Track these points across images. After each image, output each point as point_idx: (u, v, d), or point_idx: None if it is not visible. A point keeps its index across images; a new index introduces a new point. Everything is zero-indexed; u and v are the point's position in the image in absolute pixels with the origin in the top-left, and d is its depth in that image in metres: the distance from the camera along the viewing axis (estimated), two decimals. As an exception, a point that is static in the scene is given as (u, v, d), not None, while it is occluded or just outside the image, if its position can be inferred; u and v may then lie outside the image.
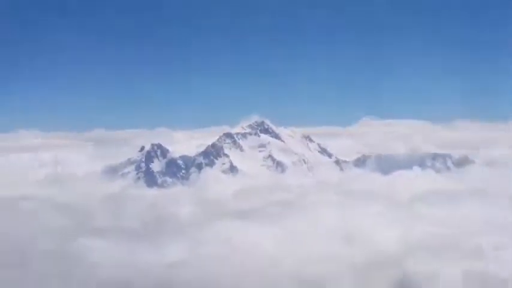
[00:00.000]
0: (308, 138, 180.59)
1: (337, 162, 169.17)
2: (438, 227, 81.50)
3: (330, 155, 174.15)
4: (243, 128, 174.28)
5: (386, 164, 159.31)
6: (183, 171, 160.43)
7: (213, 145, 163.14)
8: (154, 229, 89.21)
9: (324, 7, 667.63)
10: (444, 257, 68.02)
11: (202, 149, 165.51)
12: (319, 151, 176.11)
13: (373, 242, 76.19)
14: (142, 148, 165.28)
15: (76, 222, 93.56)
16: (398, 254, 71.85)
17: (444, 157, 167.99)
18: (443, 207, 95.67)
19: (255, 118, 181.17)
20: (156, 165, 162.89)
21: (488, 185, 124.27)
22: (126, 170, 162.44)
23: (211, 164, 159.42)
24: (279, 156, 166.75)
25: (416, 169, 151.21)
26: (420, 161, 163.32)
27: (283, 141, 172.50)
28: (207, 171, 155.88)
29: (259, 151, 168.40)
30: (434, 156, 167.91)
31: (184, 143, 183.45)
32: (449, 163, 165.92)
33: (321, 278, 65.21)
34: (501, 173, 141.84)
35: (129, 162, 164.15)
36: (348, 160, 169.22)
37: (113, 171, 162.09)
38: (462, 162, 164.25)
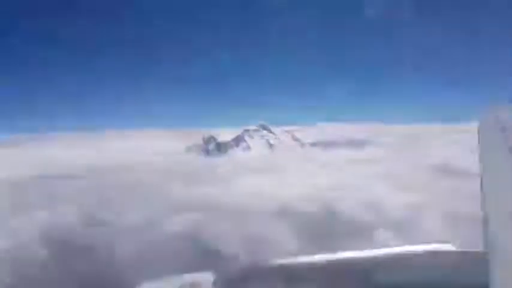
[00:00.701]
0: (287, 131, 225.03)
1: (302, 144, 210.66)
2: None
3: (299, 141, 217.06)
4: (254, 126, 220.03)
5: (328, 145, 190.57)
6: (223, 149, 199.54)
7: (238, 136, 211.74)
8: (207, 176, 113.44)
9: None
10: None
11: (233, 137, 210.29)
12: (293, 138, 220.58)
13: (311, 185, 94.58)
14: (203, 137, 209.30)
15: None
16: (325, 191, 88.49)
17: (359, 142, 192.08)
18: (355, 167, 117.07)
19: (260, 121, 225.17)
20: (210, 146, 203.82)
21: (382, 156, 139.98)
22: (195, 148, 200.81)
23: (237, 145, 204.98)
24: (271, 141, 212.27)
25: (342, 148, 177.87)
26: (346, 143, 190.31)
27: (274, 134, 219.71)
28: (235, 149, 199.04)
29: (262, 138, 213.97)
30: (353, 141, 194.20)
31: (224, 135, 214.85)
32: (362, 145, 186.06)
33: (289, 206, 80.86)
34: (391, 152, 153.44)
35: (195, 144, 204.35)
36: (309, 143, 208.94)
37: (188, 149, 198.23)
38: (368, 144, 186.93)
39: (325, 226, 70.20)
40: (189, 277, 2.90)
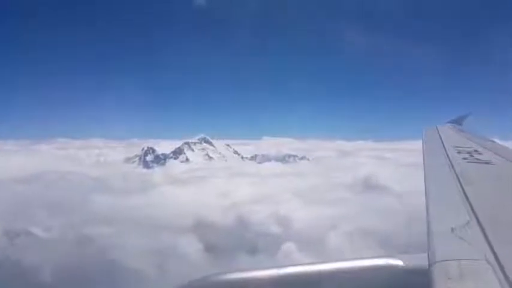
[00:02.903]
0: (228, 145, 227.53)
1: (242, 158, 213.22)
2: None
3: (239, 154, 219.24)
4: (194, 139, 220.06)
5: (264, 159, 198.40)
6: (162, 160, 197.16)
7: (178, 148, 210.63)
8: (144, 186, 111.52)
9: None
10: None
11: (172, 149, 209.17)
12: (233, 152, 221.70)
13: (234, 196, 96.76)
14: (143, 148, 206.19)
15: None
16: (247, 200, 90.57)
17: (293, 156, 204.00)
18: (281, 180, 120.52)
19: (201, 134, 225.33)
20: (149, 157, 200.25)
21: (309, 170, 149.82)
22: (134, 159, 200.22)
23: (176, 157, 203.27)
24: (211, 154, 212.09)
25: (275, 162, 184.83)
26: (281, 157, 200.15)
27: (215, 147, 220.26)
28: (174, 161, 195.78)
29: (202, 151, 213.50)
30: (289, 156, 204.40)
31: (165, 147, 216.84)
32: (296, 159, 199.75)
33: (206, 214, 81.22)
34: (319, 166, 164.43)
35: (136, 156, 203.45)
36: (247, 157, 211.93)
37: (128, 159, 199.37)
38: (302, 159, 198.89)
39: (234, 238, 69.84)
40: None
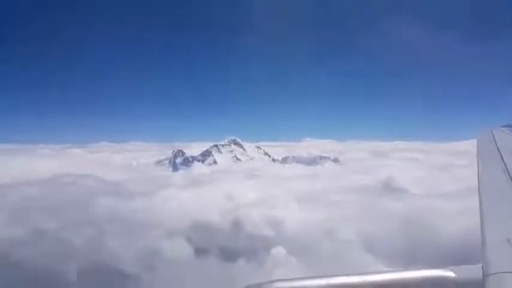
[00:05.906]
0: (259, 147, 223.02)
1: (273, 160, 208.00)
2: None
3: (269, 156, 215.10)
4: (224, 142, 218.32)
5: (294, 161, 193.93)
6: (191, 163, 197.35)
7: (206, 150, 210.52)
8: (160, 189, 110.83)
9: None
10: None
11: (200, 152, 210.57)
12: (264, 154, 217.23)
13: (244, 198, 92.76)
14: (173, 151, 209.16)
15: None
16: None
17: (325, 158, 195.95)
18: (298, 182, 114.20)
19: (231, 136, 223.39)
20: (178, 160, 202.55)
21: (333, 173, 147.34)
22: (165, 162, 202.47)
23: (204, 160, 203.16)
24: (239, 156, 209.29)
25: (300, 164, 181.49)
26: (312, 159, 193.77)
27: (245, 150, 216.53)
28: (200, 164, 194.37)
29: (230, 153, 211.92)
30: (321, 157, 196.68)
31: (194, 149, 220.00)
32: (327, 161, 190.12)
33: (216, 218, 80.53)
34: (345, 168, 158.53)
35: (166, 158, 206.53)
36: (278, 159, 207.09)
37: (158, 162, 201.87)
38: (334, 161, 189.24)
39: (228, 242, 68.97)
40: None
